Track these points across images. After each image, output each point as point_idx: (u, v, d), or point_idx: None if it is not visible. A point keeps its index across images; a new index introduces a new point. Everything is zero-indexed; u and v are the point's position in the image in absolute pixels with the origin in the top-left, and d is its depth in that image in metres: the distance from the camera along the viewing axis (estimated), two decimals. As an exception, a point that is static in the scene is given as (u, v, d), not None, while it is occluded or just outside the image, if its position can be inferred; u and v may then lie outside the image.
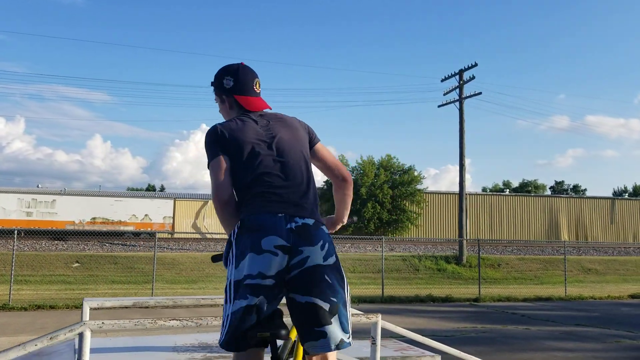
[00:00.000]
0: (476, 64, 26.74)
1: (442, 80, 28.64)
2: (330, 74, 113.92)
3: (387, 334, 7.30)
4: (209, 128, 2.62)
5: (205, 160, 2.59)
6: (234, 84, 2.72)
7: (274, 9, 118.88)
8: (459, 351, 5.86)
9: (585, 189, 77.67)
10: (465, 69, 27.32)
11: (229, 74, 2.72)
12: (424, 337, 5.67)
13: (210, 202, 36.29)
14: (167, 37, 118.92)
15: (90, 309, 5.14)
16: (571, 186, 79.47)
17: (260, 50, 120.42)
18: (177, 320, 4.21)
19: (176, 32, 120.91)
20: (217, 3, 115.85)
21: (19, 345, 3.89)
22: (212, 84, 2.78)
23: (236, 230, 2.46)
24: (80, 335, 3.96)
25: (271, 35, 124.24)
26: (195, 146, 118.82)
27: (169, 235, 32.34)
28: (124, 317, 6.13)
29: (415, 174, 39.07)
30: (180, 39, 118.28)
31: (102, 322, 4.07)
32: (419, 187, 39.22)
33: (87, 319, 4.90)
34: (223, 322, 2.38)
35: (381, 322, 4.68)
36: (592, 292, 20.10)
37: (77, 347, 4.07)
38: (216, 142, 2.57)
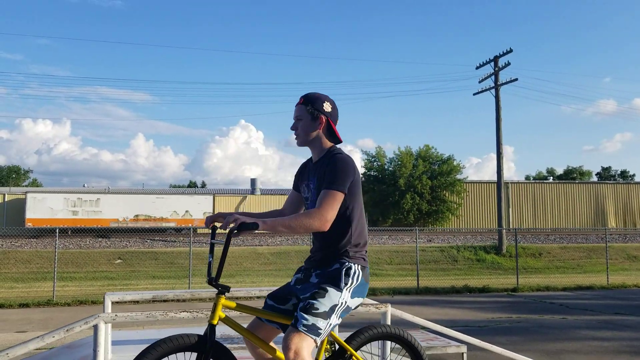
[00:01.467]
0: (511, 50, 26.17)
1: (477, 68, 28.17)
2: (364, 66, 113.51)
3: (412, 326, 7.30)
4: (345, 154, 2.89)
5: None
6: (331, 110, 3.01)
7: (307, 4, 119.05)
8: (481, 341, 5.82)
9: (633, 175, 75.26)
10: (500, 55, 26.78)
11: (329, 101, 3.01)
12: (444, 327, 5.66)
13: (250, 197, 36.78)
14: (205, 36, 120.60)
15: (112, 302, 5.32)
16: (619, 172, 77.08)
17: (296, 44, 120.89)
18: (187, 312, 4.33)
19: (214, 31, 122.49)
20: (255, 1, 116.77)
21: (38, 337, 4.09)
22: (308, 102, 2.98)
23: (360, 269, 2.88)
24: (95, 327, 4.13)
25: (305, 30, 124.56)
26: (234, 142, 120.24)
27: (209, 231, 32.86)
28: (158, 309, 6.30)
29: (455, 163, 38.55)
30: (218, 37, 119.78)
31: (116, 315, 4.23)
32: (458, 177, 38.72)
33: (109, 311, 5.07)
34: (325, 328, 2.72)
35: (391, 311, 4.71)
36: (636, 280, 19.48)
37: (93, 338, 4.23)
38: (351, 178, 2.82)
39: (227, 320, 2.80)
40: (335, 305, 2.75)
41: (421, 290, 17.24)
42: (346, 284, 2.80)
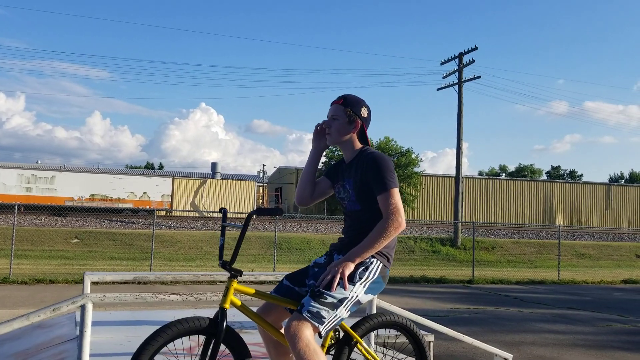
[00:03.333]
0: (476, 48, 26.65)
1: (442, 64, 28.57)
2: (329, 55, 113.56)
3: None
4: (382, 154, 2.92)
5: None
6: (367, 116, 3.04)
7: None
8: (451, 330, 6.02)
9: (581, 175, 78.01)
10: (465, 53, 27.23)
11: (366, 107, 3.04)
12: (417, 316, 5.82)
13: (210, 181, 36.44)
14: (168, 15, 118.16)
15: (91, 282, 5.27)
16: (567, 172, 79.68)
17: (257, 29, 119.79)
18: (177, 294, 4.34)
19: (176, 10, 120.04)
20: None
21: (23, 316, 4.02)
22: (348, 103, 2.99)
23: (380, 267, 2.88)
24: (83, 307, 4.09)
25: (269, 15, 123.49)
26: (194, 125, 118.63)
27: (167, 213, 32.47)
28: (123, 292, 6.25)
29: (413, 156, 39.10)
30: (180, 17, 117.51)
31: (104, 295, 4.20)
32: (416, 169, 39.30)
33: (89, 292, 5.02)
34: (331, 318, 2.71)
35: (377, 301, 4.83)
36: (585, 277, 20.31)
37: (78, 319, 4.20)
38: (394, 172, 2.88)
39: (238, 305, 2.79)
40: (345, 299, 2.74)
41: (380, 279, 17.50)
42: (361, 279, 2.81)
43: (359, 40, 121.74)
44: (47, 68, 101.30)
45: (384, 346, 5.06)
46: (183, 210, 26.56)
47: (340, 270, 2.73)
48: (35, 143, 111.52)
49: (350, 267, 2.77)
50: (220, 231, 2.98)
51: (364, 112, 3.02)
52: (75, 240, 21.85)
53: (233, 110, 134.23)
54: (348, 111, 2.97)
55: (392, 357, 3.79)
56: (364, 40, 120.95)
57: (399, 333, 3.30)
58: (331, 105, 3.05)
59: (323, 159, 39.33)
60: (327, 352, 3.01)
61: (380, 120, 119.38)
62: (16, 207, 14.69)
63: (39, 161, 42.64)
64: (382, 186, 2.80)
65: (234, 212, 26.96)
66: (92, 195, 31.46)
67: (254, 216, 2.79)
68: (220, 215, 2.88)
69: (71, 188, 31.08)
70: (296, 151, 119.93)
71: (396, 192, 2.81)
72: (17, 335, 6.12)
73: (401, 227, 2.79)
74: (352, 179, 2.94)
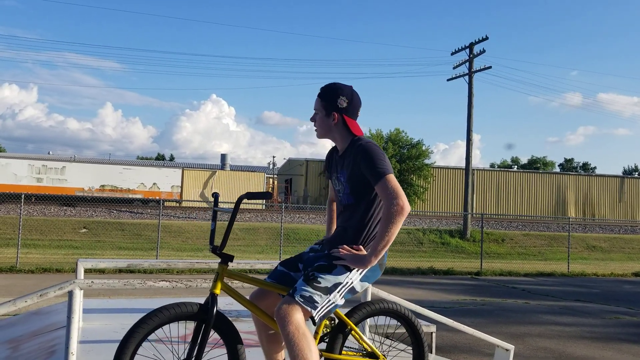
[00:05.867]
0: (487, 38, 26.35)
1: (452, 54, 28.29)
2: (339, 45, 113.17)
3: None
4: (370, 140, 2.80)
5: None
6: (347, 105, 2.85)
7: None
8: (453, 321, 5.91)
9: (594, 167, 77.27)
10: (476, 43, 26.93)
11: (345, 95, 2.84)
12: (417, 306, 5.72)
13: (219, 172, 36.50)
14: (179, 6, 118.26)
15: (85, 269, 5.22)
16: (581, 164, 78.96)
17: (270, 20, 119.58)
18: (166, 281, 4.27)
19: (188, 0, 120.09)
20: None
21: (9, 301, 3.98)
22: (323, 96, 2.86)
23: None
24: (70, 293, 4.03)
25: (279, 6, 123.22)
26: (205, 117, 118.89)
27: (177, 204, 32.55)
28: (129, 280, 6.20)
29: (423, 148, 38.85)
30: (191, 8, 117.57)
31: (92, 281, 4.14)
32: (426, 161, 39.06)
33: (82, 278, 4.97)
34: (324, 304, 2.64)
35: (371, 289, 4.74)
36: (595, 269, 20.08)
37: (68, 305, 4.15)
38: (386, 158, 2.75)
39: (229, 290, 2.74)
40: (339, 284, 2.68)
41: (387, 270, 17.44)
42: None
43: (368, 30, 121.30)
44: (59, 59, 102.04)
45: (386, 337, 4.97)
46: (192, 201, 26.63)
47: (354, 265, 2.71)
48: (48, 134, 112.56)
49: (367, 267, 2.72)
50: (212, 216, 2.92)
51: (341, 102, 2.84)
52: (84, 230, 21.95)
53: (244, 102, 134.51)
54: (324, 104, 2.85)
55: (390, 346, 3.66)
56: (374, 30, 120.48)
57: (398, 323, 3.20)
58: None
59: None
60: (321, 341, 2.94)
61: (390, 111, 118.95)
62: (22, 196, 14.74)
63: (50, 152, 42.89)
64: (377, 175, 2.67)
65: (243, 203, 26.90)
66: (103, 186, 31.63)
67: (244, 200, 2.71)
68: (231, 206, 2.80)
69: (82, 179, 31.27)
70: (307, 143, 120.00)
71: (392, 177, 2.67)
72: (13, 322, 6.12)
73: (404, 210, 2.62)
74: (346, 170, 2.83)
